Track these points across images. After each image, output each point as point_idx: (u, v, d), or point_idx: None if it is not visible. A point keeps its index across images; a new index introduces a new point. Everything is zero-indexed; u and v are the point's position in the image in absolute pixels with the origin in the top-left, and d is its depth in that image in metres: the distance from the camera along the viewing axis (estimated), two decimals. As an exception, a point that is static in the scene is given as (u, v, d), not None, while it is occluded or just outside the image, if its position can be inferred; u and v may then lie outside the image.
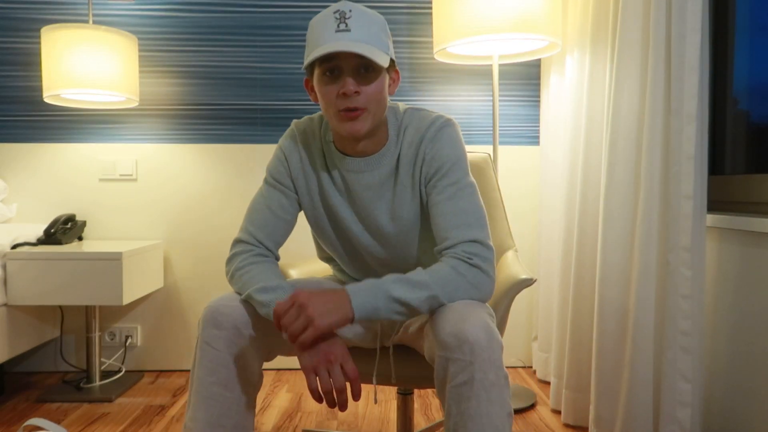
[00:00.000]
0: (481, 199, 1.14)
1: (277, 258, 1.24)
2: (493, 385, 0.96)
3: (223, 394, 1.10)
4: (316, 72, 1.11)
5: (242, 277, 1.14)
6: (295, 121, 1.26)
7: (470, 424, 0.96)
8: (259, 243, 1.20)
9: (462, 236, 1.08)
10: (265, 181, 1.24)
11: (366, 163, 1.19)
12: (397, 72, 1.18)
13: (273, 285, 1.10)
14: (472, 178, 1.16)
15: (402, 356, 1.32)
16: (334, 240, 1.27)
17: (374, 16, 1.10)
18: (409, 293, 1.02)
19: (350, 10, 1.06)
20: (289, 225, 1.24)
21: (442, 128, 1.16)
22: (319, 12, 2.35)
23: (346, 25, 1.05)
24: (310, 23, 1.11)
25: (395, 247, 1.24)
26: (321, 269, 1.61)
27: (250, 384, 1.14)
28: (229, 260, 1.20)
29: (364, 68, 1.08)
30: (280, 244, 1.23)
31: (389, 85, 1.16)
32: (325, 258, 1.40)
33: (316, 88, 1.13)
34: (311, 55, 1.06)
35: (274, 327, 1.14)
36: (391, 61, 1.14)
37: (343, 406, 1.02)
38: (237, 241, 1.21)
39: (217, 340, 1.10)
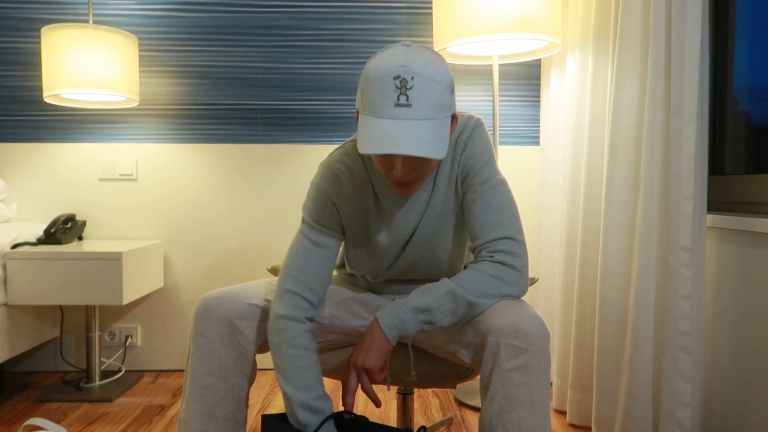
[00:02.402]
0: (511, 194, 1.15)
1: (316, 306, 1.16)
2: (544, 374, 0.99)
3: (216, 384, 1.12)
4: None
5: (288, 363, 1.09)
6: (327, 162, 1.19)
7: (520, 410, 0.97)
8: (309, 289, 1.13)
9: (491, 234, 1.10)
10: (307, 225, 1.17)
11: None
12: (456, 117, 1.10)
13: (320, 407, 1.06)
14: (502, 175, 1.16)
15: (419, 355, 1.32)
16: (371, 254, 1.23)
17: (438, 75, 0.99)
18: (427, 297, 1.05)
19: (413, 77, 0.97)
20: (334, 264, 1.19)
21: (474, 128, 1.16)
22: (320, 13, 2.36)
23: (407, 98, 0.97)
24: (367, 70, 1.00)
25: (424, 250, 1.22)
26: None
27: (243, 375, 1.15)
28: (276, 323, 1.11)
29: None
30: (327, 287, 1.18)
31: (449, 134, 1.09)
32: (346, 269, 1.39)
33: None
34: (364, 134, 0.98)
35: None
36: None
37: None
38: (285, 292, 1.12)
39: (209, 331, 1.12)
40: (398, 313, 1.04)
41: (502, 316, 1.02)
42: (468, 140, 1.15)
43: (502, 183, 1.15)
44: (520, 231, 1.11)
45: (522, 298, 1.34)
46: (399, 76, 0.97)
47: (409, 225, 1.19)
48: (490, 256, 1.08)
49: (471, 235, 1.14)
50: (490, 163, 1.15)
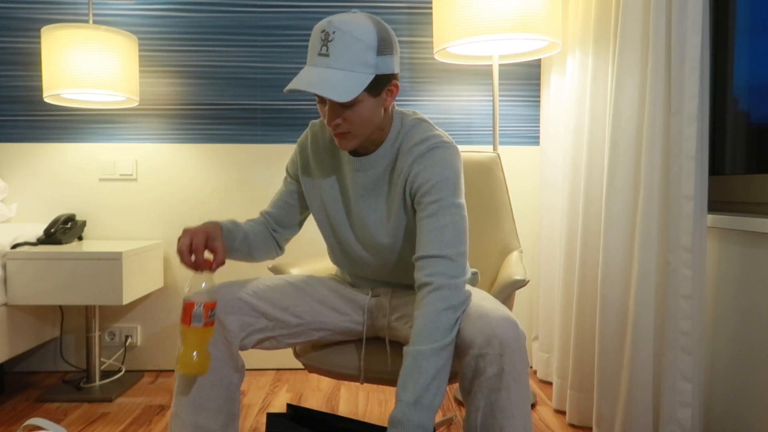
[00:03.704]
0: (464, 219, 1.14)
1: (274, 229, 1.36)
2: (521, 375, 1.00)
3: (205, 377, 1.14)
4: None
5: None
6: (312, 121, 1.35)
7: (500, 415, 0.99)
8: (264, 214, 1.37)
9: (430, 250, 1.10)
10: (286, 172, 1.39)
11: (363, 162, 1.22)
12: (395, 84, 1.17)
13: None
14: (461, 200, 1.15)
15: (397, 351, 1.32)
16: (329, 232, 1.32)
17: (362, 34, 1.09)
18: (416, 380, 1.01)
19: (334, 32, 1.08)
20: (294, 208, 1.37)
21: (434, 148, 1.17)
22: (320, 13, 2.36)
23: (327, 49, 1.08)
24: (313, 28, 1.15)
25: (378, 249, 1.26)
26: (322, 268, 1.61)
27: (231, 367, 1.18)
28: None
29: None
30: (283, 221, 1.37)
31: (385, 99, 1.16)
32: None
33: None
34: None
35: (255, 311, 1.22)
36: (386, 76, 1.13)
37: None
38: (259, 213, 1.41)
39: None
40: (409, 420, 0.99)
41: (473, 325, 1.03)
42: (424, 157, 1.17)
43: (455, 206, 1.14)
44: (461, 254, 1.11)
45: (520, 296, 1.35)
46: (324, 30, 1.09)
47: (364, 215, 1.24)
48: (430, 282, 1.08)
49: (416, 249, 1.15)
50: (444, 184, 1.14)
